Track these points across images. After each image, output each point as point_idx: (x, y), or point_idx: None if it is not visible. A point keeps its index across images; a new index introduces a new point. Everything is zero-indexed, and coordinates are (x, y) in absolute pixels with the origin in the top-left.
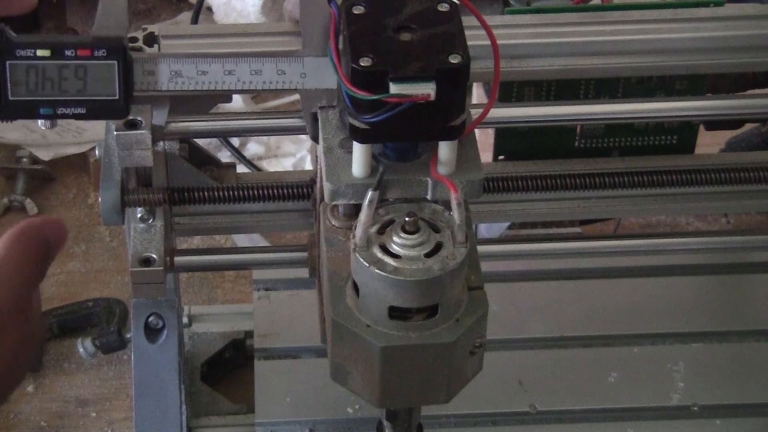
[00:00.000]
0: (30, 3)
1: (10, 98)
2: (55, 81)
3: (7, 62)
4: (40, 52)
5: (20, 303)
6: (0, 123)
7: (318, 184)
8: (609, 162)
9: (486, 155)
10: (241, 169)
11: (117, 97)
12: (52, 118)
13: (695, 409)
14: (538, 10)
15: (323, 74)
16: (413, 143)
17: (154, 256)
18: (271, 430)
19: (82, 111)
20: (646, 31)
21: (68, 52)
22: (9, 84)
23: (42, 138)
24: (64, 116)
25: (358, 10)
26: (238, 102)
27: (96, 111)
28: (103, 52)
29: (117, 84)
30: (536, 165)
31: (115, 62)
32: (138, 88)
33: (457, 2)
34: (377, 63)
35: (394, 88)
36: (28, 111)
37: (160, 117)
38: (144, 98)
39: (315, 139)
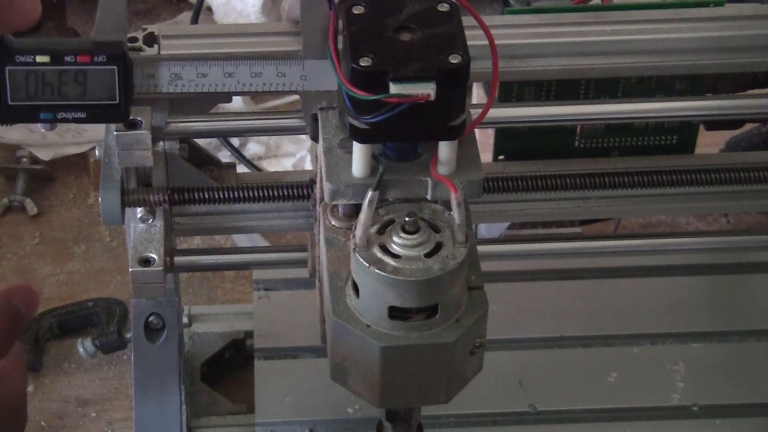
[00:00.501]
0: (32, 18)
1: (10, 103)
2: (55, 86)
3: (7, 68)
4: (39, 58)
5: None
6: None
7: (318, 184)
8: (609, 162)
9: (486, 155)
10: (241, 169)
11: (117, 102)
12: (52, 122)
13: (695, 409)
14: (538, 10)
15: (324, 76)
16: (413, 143)
17: (154, 256)
18: (271, 430)
19: (82, 115)
20: (646, 31)
21: (68, 58)
22: (9, 89)
23: (42, 138)
24: (65, 120)
25: (358, 10)
26: (238, 102)
27: (96, 115)
28: (103, 58)
29: (117, 89)
30: (536, 165)
31: (115, 68)
32: (138, 91)
33: (456, 2)
34: (377, 63)
35: (394, 88)
36: (28, 115)
37: (160, 117)
38: (144, 99)
39: (315, 139)
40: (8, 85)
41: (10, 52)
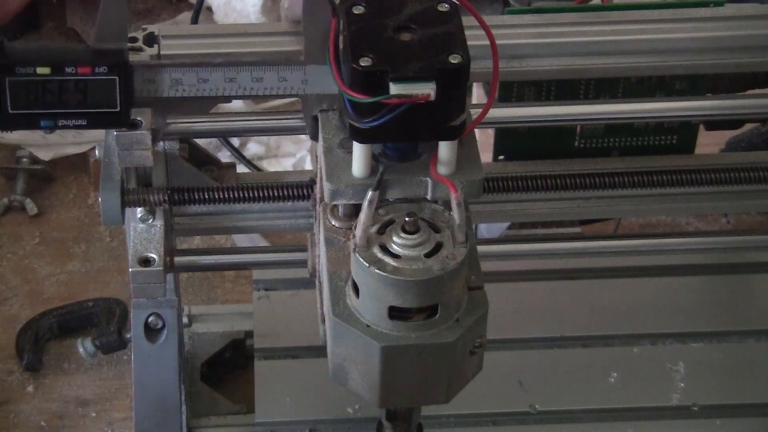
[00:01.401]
0: (19, 4)
1: (10, 111)
2: (56, 94)
3: (7, 79)
4: (40, 70)
5: None
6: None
7: (318, 184)
8: (609, 162)
9: (486, 155)
10: (241, 169)
11: (118, 109)
12: (53, 128)
13: (695, 409)
14: (538, 10)
15: (325, 80)
16: (413, 143)
17: (154, 256)
18: (271, 430)
19: (83, 122)
20: (646, 31)
21: (68, 69)
22: (9, 98)
23: (42, 138)
24: (65, 127)
25: (358, 10)
26: (238, 102)
27: (96, 121)
28: (104, 69)
29: (118, 97)
30: (536, 165)
31: (116, 78)
32: (138, 95)
33: (456, 2)
34: (377, 63)
35: (394, 88)
36: (29, 123)
37: (160, 118)
38: (144, 102)
39: (315, 138)
40: (8, 95)
41: (10, 64)
